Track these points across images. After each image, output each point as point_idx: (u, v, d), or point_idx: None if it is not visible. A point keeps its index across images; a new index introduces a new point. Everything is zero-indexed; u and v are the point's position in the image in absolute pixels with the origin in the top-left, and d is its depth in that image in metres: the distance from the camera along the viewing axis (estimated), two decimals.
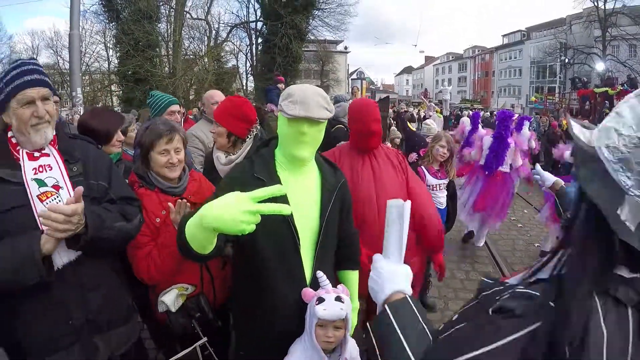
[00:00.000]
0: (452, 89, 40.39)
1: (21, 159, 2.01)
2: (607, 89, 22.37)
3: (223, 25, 29.81)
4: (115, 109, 21.13)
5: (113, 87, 26.94)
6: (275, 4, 26.32)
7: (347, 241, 2.48)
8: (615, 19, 34.38)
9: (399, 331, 1.11)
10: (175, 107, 4.21)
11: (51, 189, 2.00)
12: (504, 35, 62.42)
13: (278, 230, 2.07)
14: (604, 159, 0.84)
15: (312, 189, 2.22)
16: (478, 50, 69.39)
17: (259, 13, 28.88)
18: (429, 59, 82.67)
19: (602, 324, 0.82)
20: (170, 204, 2.48)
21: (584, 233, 0.90)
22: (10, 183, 1.94)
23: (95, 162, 2.25)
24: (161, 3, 25.56)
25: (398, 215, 1.41)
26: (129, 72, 23.37)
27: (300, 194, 2.15)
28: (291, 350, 2.17)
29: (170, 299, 2.52)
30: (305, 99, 1.99)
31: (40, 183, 1.99)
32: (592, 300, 0.84)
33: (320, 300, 2.07)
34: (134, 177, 2.64)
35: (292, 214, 2.06)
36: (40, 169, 2.02)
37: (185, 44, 26.78)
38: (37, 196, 1.96)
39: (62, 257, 2.04)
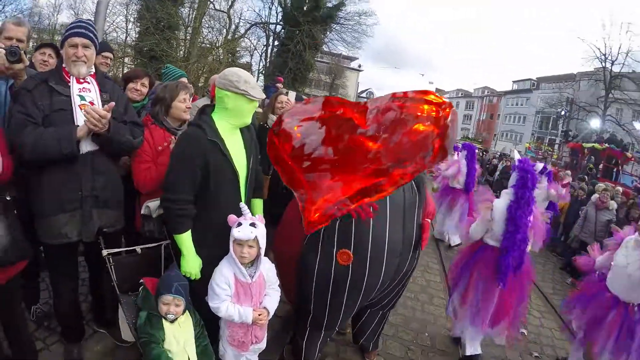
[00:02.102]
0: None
1: (70, 81, 2.97)
2: (594, 144, 22.60)
3: (243, 21, 30.01)
4: None
5: (126, 60, 26.66)
6: (297, 11, 26.85)
7: (257, 177, 3.37)
8: (620, 82, 34.83)
9: None
10: (185, 80, 4.77)
11: (87, 103, 2.95)
12: (514, 81, 63.06)
13: (225, 171, 2.96)
14: None
15: (240, 143, 3.11)
16: (487, 92, 70.20)
17: (280, 16, 29.32)
18: (438, 92, 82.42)
19: None
20: (172, 137, 3.47)
21: None
22: (61, 95, 2.91)
23: (118, 96, 3.21)
24: None
25: None
26: (145, 49, 23.66)
27: (235, 147, 3.04)
28: (221, 262, 2.94)
29: (154, 205, 3.21)
30: (256, 85, 2.96)
31: (82, 98, 2.96)
32: None
33: (239, 224, 2.83)
34: (149, 117, 3.58)
35: (234, 163, 2.98)
36: (83, 90, 2.99)
37: (204, 32, 26.94)
38: (78, 105, 2.93)
39: (87, 146, 2.96)
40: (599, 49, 35.68)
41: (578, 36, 67.09)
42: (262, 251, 2.93)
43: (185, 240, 2.94)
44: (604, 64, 35.95)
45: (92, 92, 3.02)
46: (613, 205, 9.26)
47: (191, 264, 2.97)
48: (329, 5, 28.31)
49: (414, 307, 5.98)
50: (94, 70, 3.10)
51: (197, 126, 2.92)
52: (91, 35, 2.99)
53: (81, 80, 3.00)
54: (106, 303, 3.67)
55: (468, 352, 4.67)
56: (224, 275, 2.86)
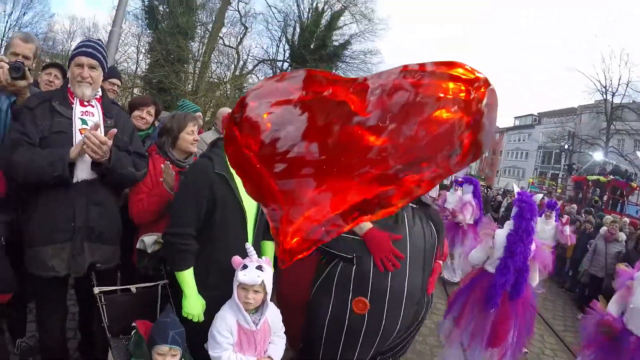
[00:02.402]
0: None
1: (74, 103, 2.90)
2: (599, 177, 23.07)
3: (251, 57, 31.47)
4: None
5: (135, 90, 28.00)
6: (304, 49, 28.22)
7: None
8: (621, 113, 35.46)
9: None
10: (199, 115, 5.48)
11: (89, 127, 2.77)
12: (516, 117, 63.90)
13: (232, 207, 2.88)
14: None
15: None
16: None
17: (287, 54, 30.74)
18: None
19: None
20: (162, 165, 3.32)
21: None
22: (62, 116, 2.84)
23: (124, 123, 3.13)
24: (199, 24, 27.50)
25: None
26: (155, 80, 24.88)
27: None
28: (223, 307, 2.77)
29: (149, 241, 3.19)
30: None
31: (83, 122, 2.88)
32: None
33: (244, 267, 2.66)
34: (154, 147, 3.57)
35: (242, 199, 2.88)
36: (86, 113, 2.91)
37: (212, 66, 28.58)
38: (78, 129, 2.84)
39: (84, 174, 2.84)
40: (599, 81, 36.33)
41: (578, 69, 67.38)
42: (269, 296, 2.77)
43: (188, 278, 2.83)
44: (604, 95, 36.51)
45: (96, 117, 2.94)
46: (622, 236, 9.40)
47: (194, 304, 2.84)
48: (336, 44, 29.95)
49: (423, 352, 5.75)
50: (100, 93, 3.04)
51: (207, 158, 2.89)
52: (99, 56, 2.92)
53: (85, 103, 2.93)
54: (96, 341, 3.43)
55: None
56: (226, 322, 2.71)
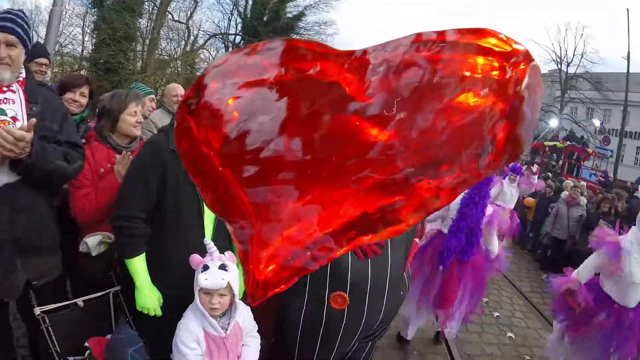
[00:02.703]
0: None
1: None
2: (555, 143, 23.74)
3: (202, 32, 30.27)
4: None
5: (82, 73, 26.05)
6: (257, 22, 27.34)
7: None
8: (575, 82, 36.73)
9: None
10: (152, 97, 5.24)
11: (9, 119, 2.36)
12: None
13: (187, 192, 2.50)
14: None
15: None
16: None
17: (239, 27, 29.72)
18: None
19: None
20: (116, 155, 2.98)
21: None
22: None
23: (53, 108, 2.62)
24: None
25: None
26: (101, 61, 23.82)
27: None
28: (185, 314, 2.41)
29: (93, 242, 2.82)
30: None
31: (1, 112, 2.37)
32: None
33: (205, 268, 2.29)
34: (92, 132, 3.17)
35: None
36: (5, 101, 2.39)
37: (162, 43, 27.70)
38: None
39: (3, 177, 2.34)
40: (554, 52, 37.80)
41: (533, 39, 68.79)
42: (237, 297, 2.44)
43: (138, 266, 2.52)
44: (559, 65, 37.87)
45: (17, 104, 2.44)
46: (583, 201, 9.81)
47: (148, 296, 2.53)
48: (289, 15, 29.05)
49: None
50: (23, 75, 2.53)
51: (164, 133, 2.60)
52: (19, 30, 2.39)
53: (4, 89, 2.41)
54: None
55: (405, 335, 4.98)
56: (191, 331, 2.37)
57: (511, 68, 1.49)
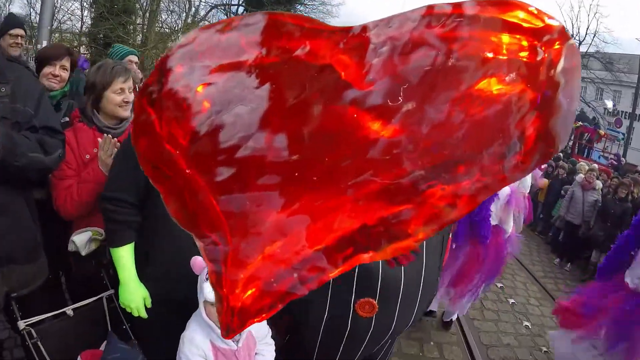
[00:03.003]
0: None
1: None
2: None
3: (204, 3, 29.73)
4: None
5: (82, 50, 25.74)
6: None
7: None
8: (587, 62, 35.53)
9: None
10: (134, 58, 4.43)
11: None
12: None
13: None
14: None
15: None
16: None
17: None
18: None
19: None
20: (99, 139, 2.60)
21: None
22: None
23: (26, 87, 2.30)
24: None
25: None
26: (100, 35, 23.11)
27: None
28: (188, 325, 2.20)
29: (82, 240, 2.55)
30: None
31: None
32: None
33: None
34: (77, 112, 2.78)
35: None
36: None
37: (162, 16, 27.09)
38: None
39: None
40: (566, 30, 36.96)
41: None
42: None
43: (124, 258, 2.28)
44: None
45: None
46: (599, 185, 9.57)
47: (134, 295, 2.30)
48: None
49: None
50: None
51: None
52: None
53: None
54: None
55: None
56: (197, 346, 2.15)
57: (543, 48, 1.24)
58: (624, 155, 24.18)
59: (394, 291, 2.38)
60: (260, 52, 1.28)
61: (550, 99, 1.21)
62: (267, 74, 1.27)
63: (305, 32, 1.28)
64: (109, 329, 2.57)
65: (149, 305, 2.35)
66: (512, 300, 6.45)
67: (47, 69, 3.18)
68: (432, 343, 4.88)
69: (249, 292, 1.27)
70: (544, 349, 5.28)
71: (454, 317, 5.21)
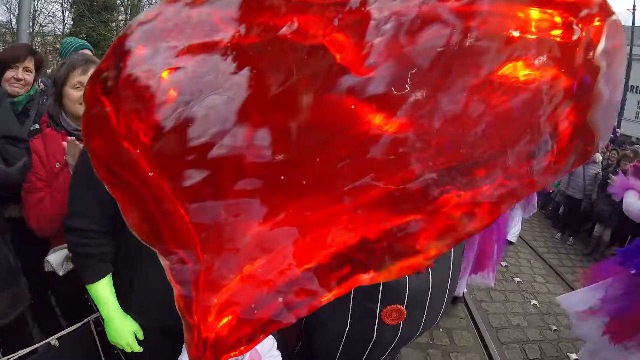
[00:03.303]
0: None
1: None
2: None
3: None
4: None
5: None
6: None
7: None
8: None
9: None
10: (87, 52, 3.79)
11: None
12: None
13: None
14: None
15: None
16: None
17: None
18: None
19: None
20: (63, 142, 2.33)
21: None
22: None
23: None
24: None
25: None
26: (82, 35, 22.21)
27: None
28: (184, 349, 1.93)
29: (57, 259, 2.30)
30: None
31: None
32: None
33: None
34: (46, 116, 2.57)
35: None
36: None
37: (145, 10, 26.74)
38: None
39: None
40: None
41: None
42: None
43: (102, 294, 1.99)
44: None
45: None
46: (599, 158, 9.49)
47: (121, 331, 2.06)
48: None
49: None
50: None
51: None
52: None
53: None
54: None
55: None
56: None
57: (580, 25, 1.05)
58: (618, 127, 24.94)
59: (422, 296, 2.26)
60: (238, 30, 1.08)
61: (588, 87, 1.03)
62: (247, 56, 1.07)
63: (293, 6, 1.08)
64: (101, 355, 2.41)
65: (140, 338, 2.13)
66: (518, 279, 6.48)
67: (9, 73, 2.91)
68: (441, 329, 4.85)
69: (225, 320, 1.09)
70: (554, 327, 5.25)
71: (464, 291, 5.27)
